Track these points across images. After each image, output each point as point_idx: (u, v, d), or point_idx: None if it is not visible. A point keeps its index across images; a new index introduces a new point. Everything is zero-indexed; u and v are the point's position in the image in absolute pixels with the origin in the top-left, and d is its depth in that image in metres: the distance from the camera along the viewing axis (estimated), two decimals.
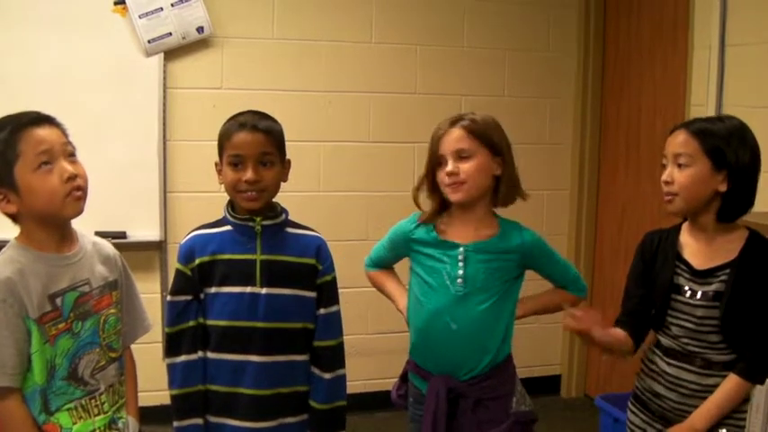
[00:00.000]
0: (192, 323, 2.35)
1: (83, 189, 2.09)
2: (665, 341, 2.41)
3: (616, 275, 4.75)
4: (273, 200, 2.42)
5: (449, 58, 4.79)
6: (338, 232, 4.22)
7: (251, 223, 2.35)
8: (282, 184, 2.41)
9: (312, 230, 2.50)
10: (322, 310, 2.43)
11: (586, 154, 4.98)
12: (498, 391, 2.53)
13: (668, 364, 2.38)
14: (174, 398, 2.36)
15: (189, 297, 2.35)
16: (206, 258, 2.34)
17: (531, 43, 4.92)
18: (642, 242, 2.56)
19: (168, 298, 2.38)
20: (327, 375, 2.42)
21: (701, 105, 3.74)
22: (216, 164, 2.40)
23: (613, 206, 4.85)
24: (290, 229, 2.44)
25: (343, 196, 4.67)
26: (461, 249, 2.48)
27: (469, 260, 2.48)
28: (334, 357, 2.46)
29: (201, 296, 2.35)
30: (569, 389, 5.18)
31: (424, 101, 4.72)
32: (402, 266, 2.74)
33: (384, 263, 2.78)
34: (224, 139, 2.34)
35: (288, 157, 2.43)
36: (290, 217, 2.46)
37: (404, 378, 2.73)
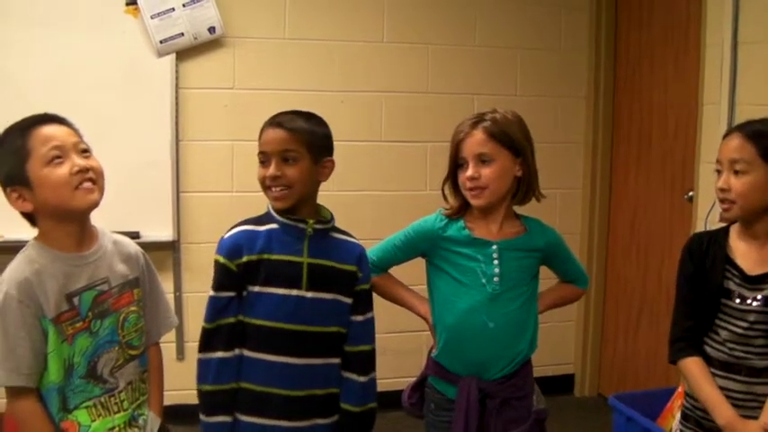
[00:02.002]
0: (231, 320, 2.32)
1: (95, 182, 2.10)
2: (711, 351, 2.36)
3: (629, 274, 4.76)
4: (320, 203, 2.46)
5: (461, 57, 4.78)
6: (351, 231, 4.22)
7: (302, 225, 2.35)
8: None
9: (353, 237, 2.52)
10: (359, 317, 2.45)
11: (599, 153, 4.97)
12: (523, 390, 2.54)
13: (715, 375, 2.34)
14: (204, 393, 2.32)
15: (232, 293, 2.32)
16: (254, 257, 2.31)
17: (543, 42, 4.91)
18: (690, 244, 2.49)
19: (211, 293, 2.34)
20: (362, 379, 2.44)
21: (714, 104, 3.72)
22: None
23: (626, 205, 4.84)
24: (334, 234, 2.45)
25: (356, 196, 4.66)
26: (495, 247, 2.48)
27: (503, 258, 2.47)
28: (370, 361, 2.49)
29: (244, 293, 2.33)
30: (583, 388, 5.17)
31: (436, 100, 4.72)
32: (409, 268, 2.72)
33: (390, 266, 2.71)
34: (259, 138, 2.36)
35: (332, 158, 2.46)
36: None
37: (416, 386, 2.72)
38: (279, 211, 2.36)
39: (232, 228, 2.40)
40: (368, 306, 2.49)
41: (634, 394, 3.67)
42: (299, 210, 2.36)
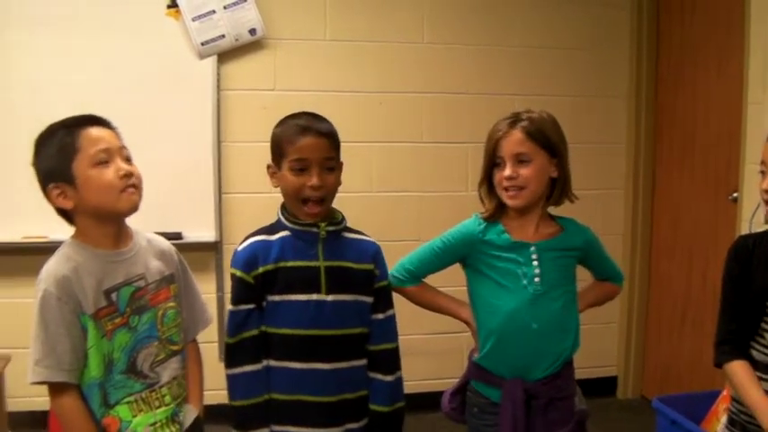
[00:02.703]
0: (254, 332, 2.30)
1: (137, 188, 2.13)
2: (756, 355, 2.33)
3: (672, 275, 4.71)
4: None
5: (501, 57, 4.77)
6: (391, 233, 4.22)
7: (314, 229, 2.32)
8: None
9: (367, 236, 2.48)
10: (380, 315, 2.42)
11: (641, 153, 4.93)
12: (567, 390, 2.53)
13: (760, 379, 2.30)
14: (236, 409, 2.30)
15: (251, 306, 2.30)
16: (270, 266, 2.29)
17: (583, 41, 4.88)
18: (735, 246, 2.45)
19: (230, 308, 2.32)
20: (388, 378, 2.41)
21: (759, 103, 3.67)
22: (269, 166, 2.37)
23: (668, 205, 4.80)
24: (347, 235, 2.42)
25: (396, 197, 4.67)
26: (533, 248, 2.47)
27: (542, 258, 2.46)
28: (394, 360, 2.45)
29: (264, 304, 2.31)
30: (626, 390, 5.12)
31: (477, 101, 4.70)
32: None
33: (427, 274, 2.66)
34: (284, 143, 2.29)
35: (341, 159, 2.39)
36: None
37: (457, 390, 2.71)
38: (291, 218, 2.34)
39: (245, 239, 2.37)
40: (388, 303, 2.46)
41: (678, 397, 3.63)
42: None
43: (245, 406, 2.29)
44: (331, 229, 2.35)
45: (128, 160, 2.15)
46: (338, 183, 2.34)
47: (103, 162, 2.07)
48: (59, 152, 2.06)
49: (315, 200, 2.28)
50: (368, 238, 2.47)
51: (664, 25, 4.81)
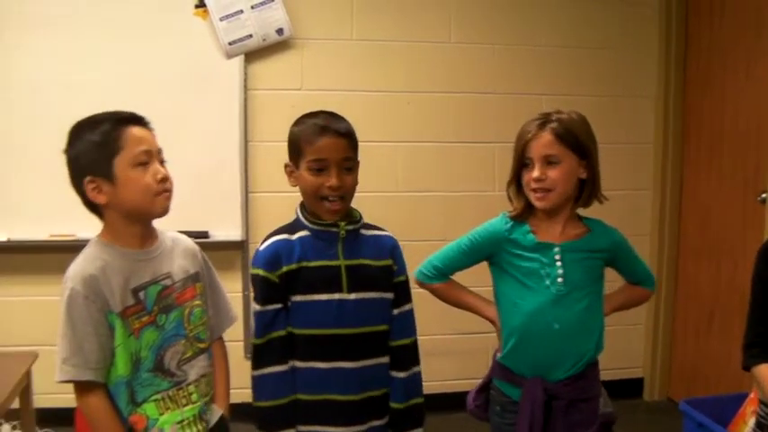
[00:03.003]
0: (282, 332, 2.27)
1: (170, 192, 2.16)
2: None
3: (699, 277, 4.68)
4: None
5: (528, 57, 4.75)
6: (417, 233, 4.22)
7: (334, 228, 2.30)
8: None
9: (383, 230, 2.46)
10: (395, 311, 2.40)
11: (669, 154, 4.90)
12: (590, 392, 2.52)
13: None
14: (262, 410, 2.27)
15: (278, 305, 2.27)
16: (293, 266, 2.27)
17: (611, 41, 4.85)
18: (765, 247, 2.43)
19: (257, 308, 2.29)
20: (402, 374, 2.40)
21: None
22: (286, 165, 2.36)
23: (697, 207, 4.77)
24: (365, 232, 2.40)
25: (422, 196, 4.67)
26: (557, 249, 2.46)
27: (566, 260, 2.46)
28: (411, 355, 2.43)
29: (288, 304, 2.29)
30: (652, 392, 5.10)
31: (504, 101, 4.69)
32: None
33: (454, 271, 2.68)
34: (302, 143, 2.27)
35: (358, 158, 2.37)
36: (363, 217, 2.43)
37: (481, 389, 2.71)
38: (310, 218, 2.33)
39: (265, 239, 2.35)
40: (406, 298, 2.44)
41: (705, 399, 3.61)
42: None
43: (270, 407, 2.27)
44: (350, 228, 2.33)
45: (163, 163, 2.16)
46: (356, 182, 2.32)
47: (144, 163, 2.08)
48: (101, 146, 2.06)
49: (334, 198, 2.27)
50: (385, 233, 2.45)
51: (693, 26, 4.78)
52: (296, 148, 2.30)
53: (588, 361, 2.50)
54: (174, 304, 2.20)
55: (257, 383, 2.30)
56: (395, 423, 2.40)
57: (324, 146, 2.24)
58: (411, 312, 2.45)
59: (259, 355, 2.29)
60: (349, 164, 2.27)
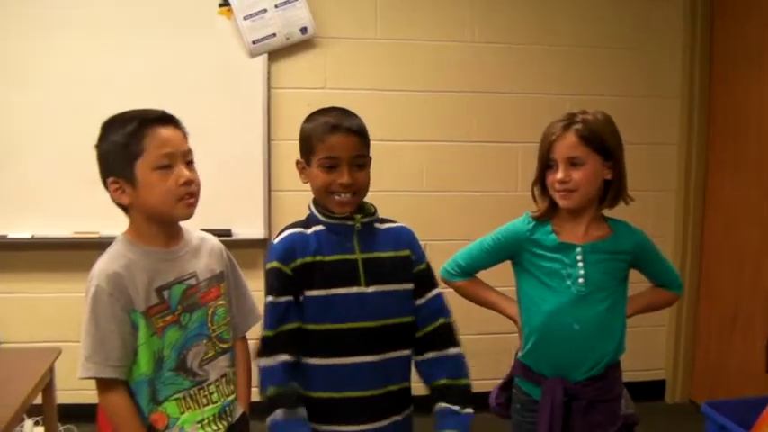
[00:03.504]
0: (293, 325, 2.24)
1: (195, 196, 2.14)
2: None
3: (723, 279, 4.66)
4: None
5: (550, 57, 4.75)
6: (440, 232, 4.22)
7: (349, 222, 2.29)
8: (375, 182, 2.34)
9: (398, 222, 2.43)
10: (421, 300, 2.35)
11: (693, 154, 4.88)
12: (611, 393, 2.51)
13: None
14: (271, 397, 2.20)
15: (290, 298, 2.25)
16: (308, 259, 2.25)
17: (634, 41, 4.84)
18: None
19: (269, 299, 2.24)
20: (445, 352, 2.34)
21: None
22: (298, 162, 2.34)
23: (720, 208, 4.74)
24: (379, 225, 2.38)
25: (446, 196, 4.67)
26: (579, 250, 2.47)
27: (588, 260, 2.46)
28: (451, 334, 2.38)
29: (300, 299, 2.26)
30: (674, 394, 5.08)
31: (526, 100, 4.69)
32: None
33: (477, 270, 2.70)
34: (314, 141, 2.25)
35: (381, 155, 2.36)
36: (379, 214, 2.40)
37: (504, 386, 2.72)
38: (324, 212, 2.31)
39: (281, 232, 2.34)
40: (430, 285, 2.38)
41: (727, 402, 3.58)
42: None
43: (280, 393, 2.20)
44: (365, 220, 2.32)
45: (190, 164, 2.15)
46: (368, 178, 2.30)
47: (166, 166, 2.07)
48: (123, 148, 2.05)
49: (346, 194, 2.25)
50: (401, 225, 2.43)
51: (718, 25, 4.75)
52: (307, 145, 2.29)
53: (609, 362, 2.50)
54: (199, 304, 2.20)
55: (265, 373, 2.23)
56: (443, 397, 2.31)
57: (335, 144, 2.22)
58: (439, 296, 2.39)
59: (269, 345, 2.24)
60: (360, 161, 2.26)
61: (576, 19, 4.75)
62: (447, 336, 2.37)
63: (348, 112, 2.31)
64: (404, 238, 2.39)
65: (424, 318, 2.36)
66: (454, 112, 4.67)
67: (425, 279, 2.39)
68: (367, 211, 2.36)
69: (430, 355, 2.35)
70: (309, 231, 2.30)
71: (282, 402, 2.21)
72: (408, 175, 4.53)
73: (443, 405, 2.30)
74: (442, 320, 2.37)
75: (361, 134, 2.26)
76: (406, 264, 2.36)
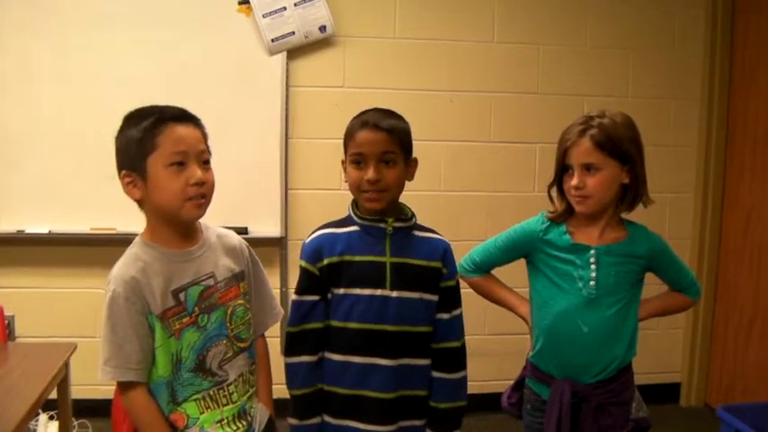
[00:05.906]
0: (317, 324, 2.29)
1: (206, 197, 2.12)
2: None
3: (740, 282, 4.64)
4: (401, 201, 2.38)
5: (571, 57, 4.73)
6: (458, 232, 4.19)
7: (382, 224, 2.31)
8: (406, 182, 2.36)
9: (437, 233, 2.44)
10: (445, 315, 2.36)
11: (712, 157, 4.85)
12: (621, 396, 2.51)
13: None
14: (295, 398, 2.31)
15: (316, 297, 2.29)
16: (335, 259, 2.28)
17: (655, 43, 4.82)
18: None
19: (294, 297, 2.32)
20: (448, 376, 2.37)
21: None
22: (342, 162, 2.36)
23: (739, 211, 4.72)
24: (417, 232, 2.38)
25: (464, 196, 4.67)
26: (593, 252, 2.46)
27: (601, 263, 2.45)
28: (457, 359, 2.40)
29: (329, 296, 2.30)
30: (689, 398, 5.05)
31: (547, 101, 4.69)
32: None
33: (491, 267, 2.72)
34: (347, 138, 2.30)
35: (414, 155, 2.36)
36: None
37: (516, 386, 2.72)
38: (360, 213, 2.34)
39: (314, 231, 2.37)
40: (454, 303, 2.40)
41: (743, 406, 3.57)
42: (384, 210, 2.31)
43: (303, 395, 2.31)
44: (399, 225, 2.32)
45: (205, 164, 2.13)
46: (401, 178, 2.30)
47: (178, 164, 2.05)
48: (138, 142, 2.04)
49: (373, 191, 2.26)
50: (438, 236, 2.42)
51: (739, 27, 4.73)
52: (345, 143, 2.33)
53: (618, 366, 2.50)
54: (217, 304, 2.19)
55: (290, 371, 2.33)
56: (436, 422, 2.38)
57: (362, 140, 2.25)
58: (460, 317, 2.42)
59: (292, 344, 2.33)
60: (388, 157, 2.26)
61: (597, 20, 4.74)
62: (456, 359, 2.40)
63: (388, 112, 2.33)
64: (439, 250, 2.38)
65: (441, 334, 2.37)
66: (473, 112, 4.67)
67: (451, 296, 2.40)
68: (403, 214, 2.37)
69: (436, 373, 2.38)
70: (342, 231, 2.34)
71: (303, 405, 2.31)
72: (427, 174, 4.53)
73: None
74: (458, 343, 2.40)
75: (391, 132, 2.26)
76: (436, 275, 2.36)
